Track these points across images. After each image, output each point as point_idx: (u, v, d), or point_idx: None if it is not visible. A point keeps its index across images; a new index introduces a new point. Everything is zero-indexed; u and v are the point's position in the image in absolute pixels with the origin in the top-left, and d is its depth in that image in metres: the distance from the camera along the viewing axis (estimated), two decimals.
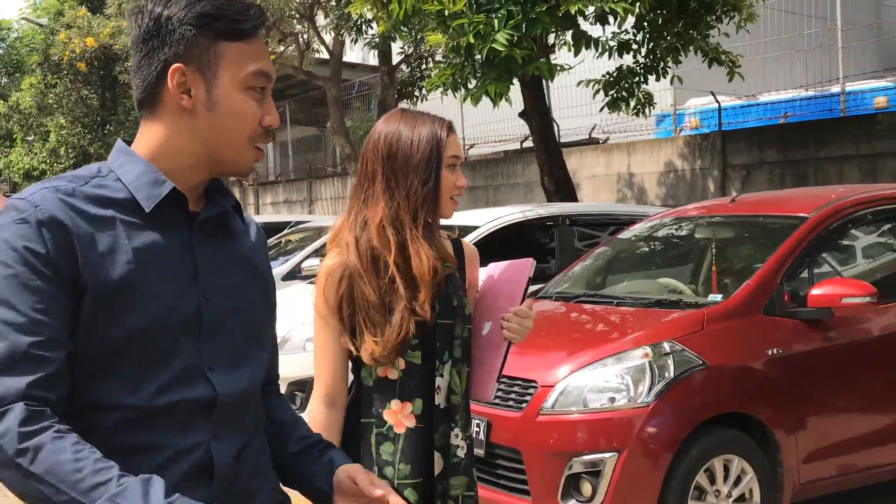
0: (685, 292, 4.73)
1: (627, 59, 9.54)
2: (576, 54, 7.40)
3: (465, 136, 17.05)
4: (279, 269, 8.51)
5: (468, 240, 6.54)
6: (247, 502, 1.44)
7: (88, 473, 1.20)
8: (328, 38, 13.98)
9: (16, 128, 23.64)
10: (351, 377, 2.21)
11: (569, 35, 7.50)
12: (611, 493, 3.67)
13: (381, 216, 2.08)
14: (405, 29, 7.86)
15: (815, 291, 4.14)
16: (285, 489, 1.61)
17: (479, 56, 6.76)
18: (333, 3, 12.73)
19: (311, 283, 7.13)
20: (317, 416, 2.14)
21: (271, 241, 9.89)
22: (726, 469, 3.92)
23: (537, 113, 9.27)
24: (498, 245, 6.60)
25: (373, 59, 15.95)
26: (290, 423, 1.61)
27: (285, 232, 10.16)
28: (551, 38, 8.49)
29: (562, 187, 9.39)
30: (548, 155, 9.40)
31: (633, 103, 9.53)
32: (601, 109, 9.67)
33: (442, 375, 2.11)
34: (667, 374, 3.81)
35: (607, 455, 3.68)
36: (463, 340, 2.14)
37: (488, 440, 3.92)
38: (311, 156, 21.33)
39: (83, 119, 21.02)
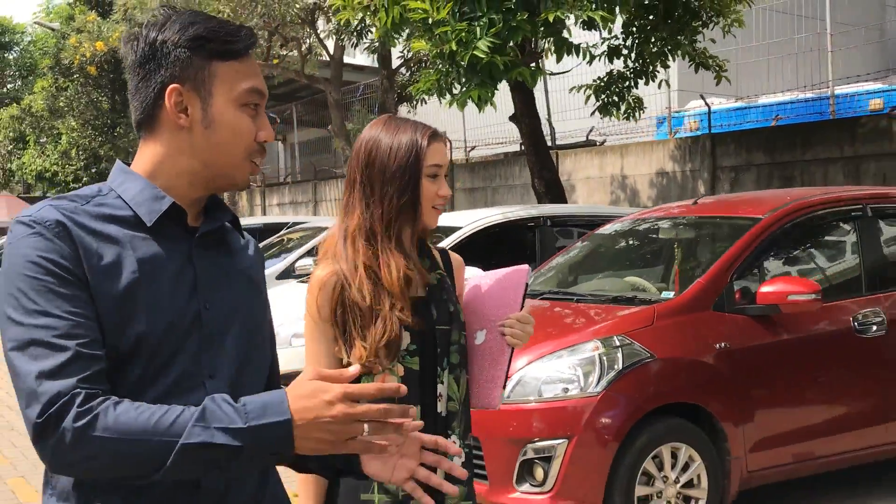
0: (649, 290, 4.95)
1: (619, 64, 9.80)
2: (558, 60, 7.64)
3: (466, 139, 17.30)
4: (275, 267, 8.78)
5: (450, 240, 6.81)
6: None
7: (160, 416, 1.26)
8: (329, 42, 14.25)
9: (28, 130, 24.06)
10: None
11: (552, 42, 7.70)
12: (561, 477, 3.90)
13: (354, 226, 2.09)
14: (397, 35, 8.10)
15: (763, 289, 4.36)
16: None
17: (462, 62, 6.98)
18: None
19: (302, 282, 7.39)
20: None
21: (272, 240, 10.17)
22: (674, 456, 4.15)
23: (527, 116, 9.49)
24: (480, 246, 6.85)
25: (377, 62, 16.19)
26: None
27: (283, 232, 10.42)
28: (542, 44, 8.73)
29: (551, 189, 9.61)
30: (537, 158, 9.63)
31: (623, 107, 9.76)
32: (592, 114, 9.89)
33: (443, 382, 2.09)
34: (616, 366, 4.04)
35: (558, 442, 3.92)
36: (460, 346, 2.13)
37: None
38: (318, 157, 21.62)
39: (93, 122, 21.40)
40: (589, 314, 4.51)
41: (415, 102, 16.38)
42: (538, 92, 14.62)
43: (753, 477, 4.35)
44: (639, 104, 9.70)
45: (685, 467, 4.17)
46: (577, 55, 7.38)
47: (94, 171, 22.23)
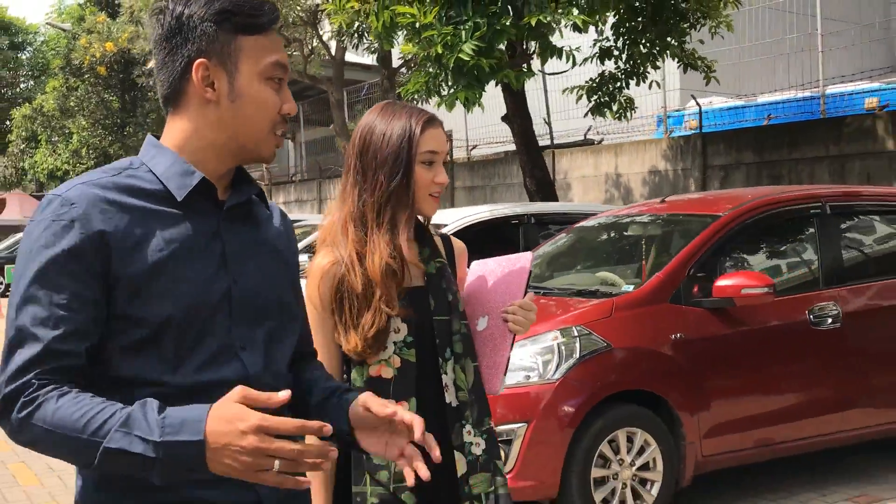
0: (618, 284, 5.18)
1: (610, 66, 10.02)
2: (542, 63, 7.87)
3: (468, 138, 17.54)
4: None
5: None
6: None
7: (93, 415, 1.28)
8: (333, 43, 14.51)
9: (40, 129, 24.45)
10: None
11: (538, 45, 7.93)
12: (520, 459, 4.14)
13: (347, 212, 2.09)
14: (389, 39, 8.34)
15: (719, 283, 4.59)
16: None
17: (448, 65, 7.22)
18: None
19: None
20: None
21: None
22: (630, 441, 4.38)
23: (519, 117, 9.73)
24: (466, 242, 7.07)
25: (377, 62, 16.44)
26: (314, 379, 1.64)
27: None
28: (531, 47, 8.96)
29: (542, 188, 9.84)
30: (529, 157, 9.87)
31: (615, 108, 9.98)
32: (585, 115, 10.12)
33: (447, 373, 2.07)
34: (574, 355, 4.28)
35: (517, 426, 4.16)
36: (462, 336, 2.10)
37: None
38: (323, 156, 21.91)
39: (104, 121, 21.77)
40: (554, 306, 4.75)
41: (415, 102, 16.68)
42: (537, 92, 14.88)
43: (708, 461, 4.58)
44: (630, 104, 9.92)
45: (641, 451, 4.40)
46: (560, 58, 7.60)
47: None
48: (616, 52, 9.80)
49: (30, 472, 5.91)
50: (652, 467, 4.43)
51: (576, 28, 7.96)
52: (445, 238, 2.24)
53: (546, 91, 14.81)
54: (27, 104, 25.68)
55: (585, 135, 14.33)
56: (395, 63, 15.21)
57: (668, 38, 9.49)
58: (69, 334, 1.34)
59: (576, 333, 4.34)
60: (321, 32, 14.49)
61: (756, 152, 10.55)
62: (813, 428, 4.86)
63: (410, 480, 1.54)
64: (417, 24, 7.26)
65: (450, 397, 2.06)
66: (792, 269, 5.23)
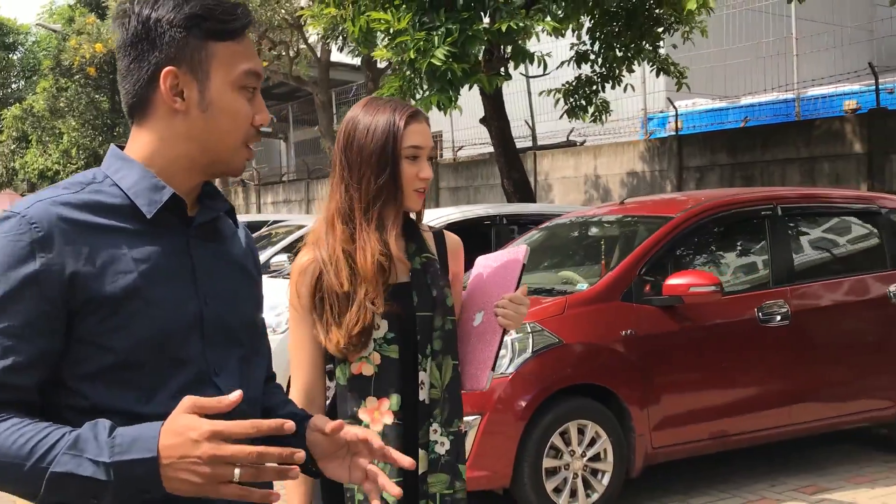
0: (578, 282, 5.37)
1: (588, 69, 10.23)
2: (514, 68, 8.06)
3: (454, 139, 17.73)
4: None
5: None
6: None
7: (39, 440, 1.20)
8: (319, 45, 14.68)
9: (30, 130, 24.59)
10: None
11: (510, 50, 8.12)
12: (475, 448, 4.33)
13: (334, 208, 2.07)
14: (366, 43, 8.52)
15: (668, 282, 4.78)
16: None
17: (421, 70, 7.40)
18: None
19: (273, 277, 7.82)
20: None
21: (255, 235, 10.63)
22: (581, 433, 4.58)
23: (496, 119, 9.92)
24: None
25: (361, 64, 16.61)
26: (273, 406, 1.58)
27: (262, 230, 10.88)
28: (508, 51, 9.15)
29: (519, 189, 10.03)
30: (506, 159, 10.05)
31: (591, 110, 10.19)
32: (560, 117, 10.32)
33: (425, 370, 2.05)
34: (527, 351, 4.47)
35: (471, 418, 4.34)
36: (443, 332, 2.07)
37: None
38: (312, 156, 22.09)
39: (93, 121, 21.92)
40: None
41: None
42: (521, 94, 15.08)
43: (658, 453, 4.77)
44: (605, 108, 10.12)
45: (592, 443, 4.59)
46: (532, 63, 7.79)
47: None
48: (592, 56, 10.01)
49: None
50: (603, 458, 4.62)
51: (554, 32, 8.17)
52: (439, 233, 2.21)
53: (530, 93, 15.01)
54: (18, 104, 25.81)
55: (568, 136, 14.53)
56: (381, 64, 15.39)
57: (643, 43, 9.69)
58: (19, 366, 1.25)
59: (529, 330, 4.52)
60: (307, 35, 14.67)
61: (730, 154, 10.77)
62: (762, 421, 5.06)
63: (375, 502, 1.50)
64: (391, 30, 7.43)
65: (423, 394, 2.05)
66: (743, 268, 5.43)
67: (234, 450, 1.16)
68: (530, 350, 4.48)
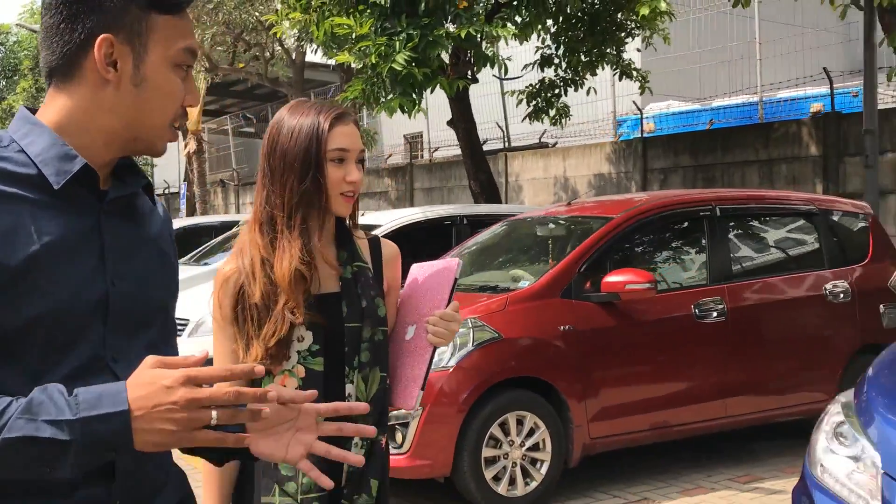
0: (527, 280, 5.58)
1: (553, 73, 10.47)
2: (477, 72, 8.27)
3: (429, 140, 17.95)
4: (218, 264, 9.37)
5: None
6: (150, 499, 1.38)
7: None
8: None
9: None
10: None
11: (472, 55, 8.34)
12: (416, 439, 4.53)
13: (256, 215, 2.02)
14: (331, 47, 8.72)
15: (606, 279, 5.00)
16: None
17: (384, 74, 7.60)
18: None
19: None
20: None
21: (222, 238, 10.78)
22: (521, 423, 4.78)
23: (463, 122, 10.13)
24: (399, 244, 7.47)
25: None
26: None
27: (234, 229, 11.05)
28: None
29: (486, 190, 10.25)
30: (473, 161, 10.27)
31: (552, 113, 10.43)
32: (523, 119, 10.54)
33: (353, 382, 1.99)
34: (467, 345, 4.68)
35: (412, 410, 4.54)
36: (372, 344, 2.00)
37: None
38: None
39: None
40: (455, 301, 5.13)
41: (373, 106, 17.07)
42: (496, 96, 15.30)
43: (596, 443, 4.99)
44: (566, 111, 10.36)
45: (531, 433, 4.80)
46: (493, 67, 8.01)
47: None
48: (556, 60, 10.25)
49: None
50: (541, 448, 4.83)
51: (517, 38, 8.39)
52: (374, 240, 2.14)
53: (503, 95, 15.24)
54: None
55: (540, 138, 14.76)
56: (357, 65, 15.58)
57: (605, 48, 9.93)
58: None
59: (470, 325, 4.73)
60: (283, 37, 14.84)
61: (692, 156, 11.02)
62: (698, 413, 5.28)
63: (327, 483, 1.43)
64: (354, 35, 7.63)
65: None
66: (681, 266, 5.66)
67: (210, 392, 1.14)
68: (471, 344, 4.68)
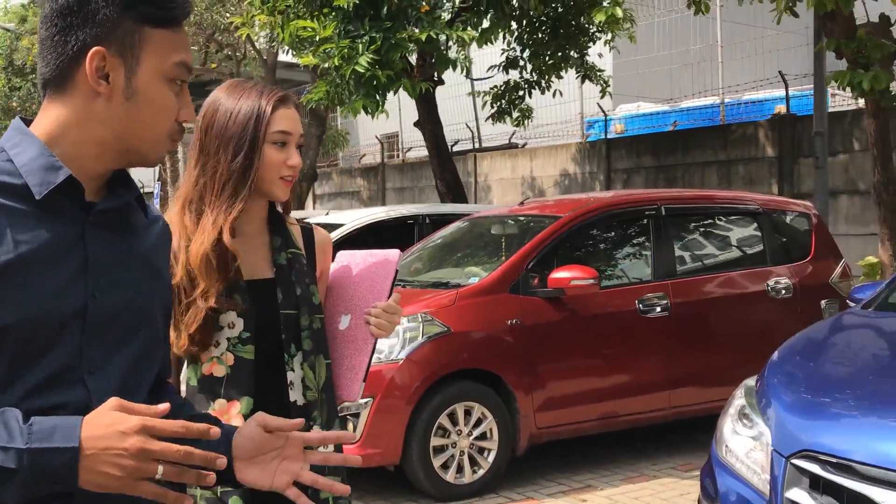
0: (472, 276, 5.78)
1: (518, 75, 10.69)
2: (439, 74, 8.47)
3: (403, 140, 18.12)
4: None
5: (333, 236, 7.60)
6: None
7: None
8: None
9: None
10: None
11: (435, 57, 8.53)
12: (367, 429, 4.72)
13: (185, 196, 1.96)
14: (298, 49, 8.88)
15: (552, 275, 5.20)
16: None
17: (347, 76, 7.79)
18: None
19: None
20: None
21: None
22: (468, 413, 4.98)
23: (429, 123, 10.32)
24: (362, 242, 7.65)
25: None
26: (173, 408, 1.43)
27: None
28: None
29: (452, 190, 10.45)
30: (439, 161, 10.46)
31: (515, 114, 10.66)
32: (486, 119, 10.76)
33: (293, 370, 1.95)
34: (417, 338, 4.87)
35: (364, 401, 4.73)
36: (312, 332, 1.98)
37: None
38: None
39: None
40: (407, 297, 5.32)
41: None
42: (466, 98, 15.51)
43: (543, 433, 5.19)
44: (528, 113, 10.58)
45: (478, 423, 4.99)
46: (455, 69, 8.20)
47: None
48: (521, 63, 10.47)
49: None
50: (489, 437, 5.03)
51: (478, 41, 8.59)
52: (307, 228, 2.13)
53: (474, 96, 15.44)
54: None
55: (510, 139, 14.98)
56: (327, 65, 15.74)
57: (568, 50, 10.16)
58: None
59: (420, 319, 4.92)
60: (255, 38, 14.97)
61: (654, 157, 11.28)
62: (643, 405, 5.50)
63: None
64: (318, 38, 7.80)
65: (295, 395, 1.96)
66: (626, 263, 5.88)
67: (162, 446, 1.15)
68: (421, 338, 4.87)
